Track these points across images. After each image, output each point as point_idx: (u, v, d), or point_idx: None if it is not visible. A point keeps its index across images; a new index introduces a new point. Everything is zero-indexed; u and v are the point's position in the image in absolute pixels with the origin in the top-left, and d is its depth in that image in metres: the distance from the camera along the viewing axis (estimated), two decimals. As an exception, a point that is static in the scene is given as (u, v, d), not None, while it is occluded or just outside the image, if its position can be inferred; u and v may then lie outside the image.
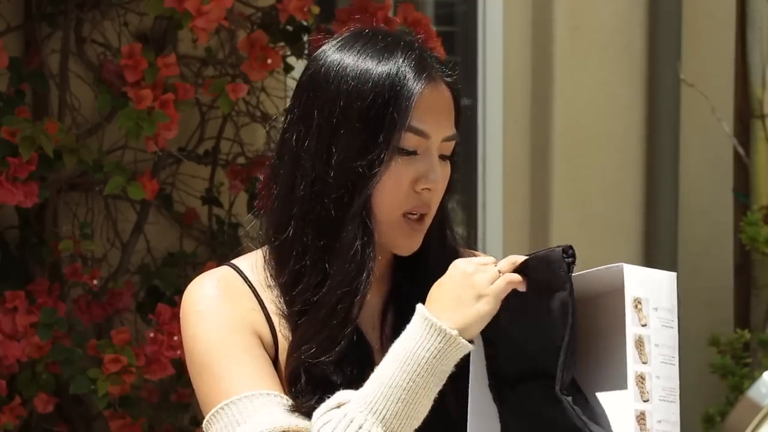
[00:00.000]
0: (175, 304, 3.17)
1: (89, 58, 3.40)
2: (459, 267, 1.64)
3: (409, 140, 1.70)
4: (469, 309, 1.61)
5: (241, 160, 3.53)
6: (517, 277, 1.63)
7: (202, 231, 3.60)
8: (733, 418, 3.52)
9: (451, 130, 1.74)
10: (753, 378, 4.05)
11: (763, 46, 4.71)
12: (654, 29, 4.54)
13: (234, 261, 1.78)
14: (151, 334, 3.14)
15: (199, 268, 3.38)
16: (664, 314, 1.65)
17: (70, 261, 3.32)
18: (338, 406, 1.61)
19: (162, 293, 3.43)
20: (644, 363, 1.62)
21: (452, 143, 1.75)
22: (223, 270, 1.77)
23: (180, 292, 3.34)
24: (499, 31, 4.38)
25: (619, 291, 1.64)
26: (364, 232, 1.70)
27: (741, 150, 4.70)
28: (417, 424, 1.62)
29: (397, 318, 1.75)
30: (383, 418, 1.59)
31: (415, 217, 1.73)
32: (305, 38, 3.40)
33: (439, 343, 1.59)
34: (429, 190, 1.71)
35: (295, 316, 1.71)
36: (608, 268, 1.65)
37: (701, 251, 4.65)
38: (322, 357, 1.67)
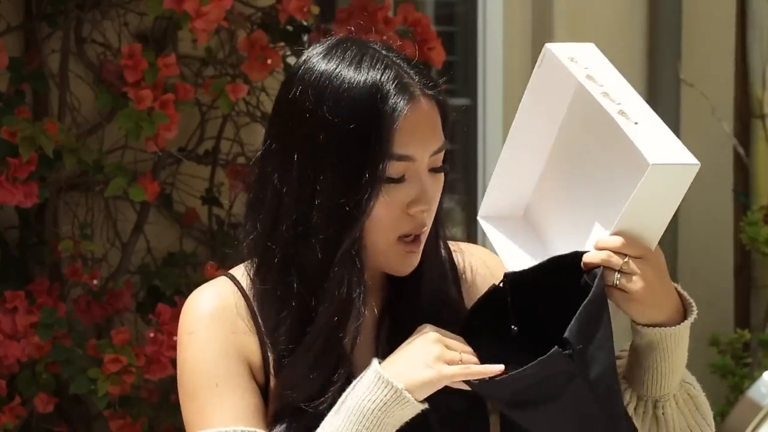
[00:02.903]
0: (175, 304, 3.17)
1: (89, 58, 3.40)
2: (425, 332, 1.61)
3: (395, 168, 1.62)
4: (416, 371, 1.58)
5: (241, 160, 3.53)
6: (474, 371, 1.58)
7: (202, 231, 3.60)
8: (733, 418, 3.52)
9: (437, 144, 1.66)
10: (753, 378, 4.05)
11: (763, 46, 4.71)
12: (654, 29, 4.54)
13: (233, 271, 1.74)
14: (151, 334, 3.14)
15: (199, 268, 3.38)
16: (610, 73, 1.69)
17: (70, 261, 3.31)
18: None
19: (162, 293, 3.43)
20: (618, 103, 1.64)
21: (441, 153, 1.67)
22: (220, 284, 1.73)
23: (180, 292, 3.34)
24: (499, 31, 4.38)
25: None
26: (353, 272, 1.64)
27: (741, 150, 4.70)
28: None
29: (392, 330, 1.72)
30: None
31: (410, 239, 1.67)
32: (305, 38, 3.40)
33: (385, 395, 1.57)
34: (422, 211, 1.65)
35: (279, 355, 1.68)
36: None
37: (701, 251, 4.65)
38: (312, 401, 1.65)
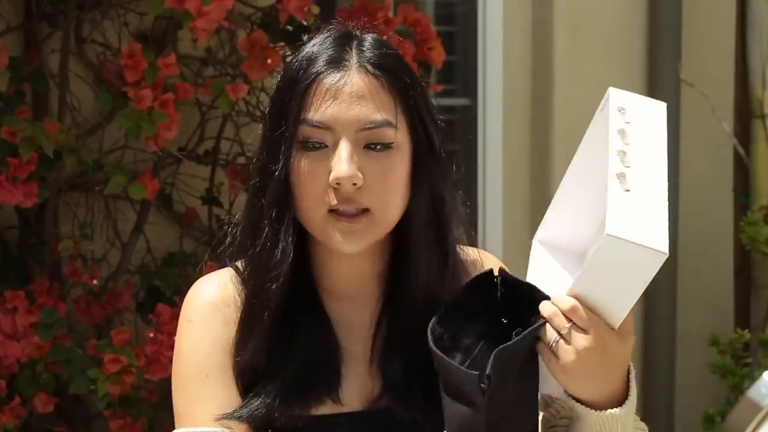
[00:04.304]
0: (175, 304, 3.17)
1: (89, 58, 3.40)
2: None
3: (308, 132, 1.64)
4: None
5: (241, 160, 3.53)
6: None
7: (202, 231, 3.60)
8: (733, 418, 3.52)
9: (365, 118, 1.63)
10: (753, 378, 4.05)
11: (763, 46, 4.71)
12: (654, 29, 4.54)
13: (239, 263, 1.76)
14: (151, 334, 3.14)
15: (199, 268, 3.38)
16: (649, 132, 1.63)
17: (70, 261, 3.32)
18: None
19: (162, 293, 3.43)
20: (627, 166, 1.58)
21: (381, 131, 1.64)
22: (224, 274, 1.76)
23: (180, 292, 3.35)
24: (499, 31, 4.38)
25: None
26: (280, 236, 1.66)
27: (741, 150, 4.70)
28: None
29: (390, 327, 1.71)
30: None
31: (341, 215, 1.64)
32: (305, 38, 3.39)
33: None
34: (339, 184, 1.62)
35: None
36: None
37: (701, 251, 4.65)
38: (255, 363, 1.68)
